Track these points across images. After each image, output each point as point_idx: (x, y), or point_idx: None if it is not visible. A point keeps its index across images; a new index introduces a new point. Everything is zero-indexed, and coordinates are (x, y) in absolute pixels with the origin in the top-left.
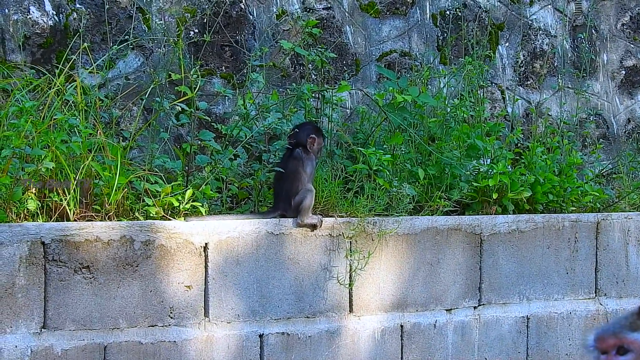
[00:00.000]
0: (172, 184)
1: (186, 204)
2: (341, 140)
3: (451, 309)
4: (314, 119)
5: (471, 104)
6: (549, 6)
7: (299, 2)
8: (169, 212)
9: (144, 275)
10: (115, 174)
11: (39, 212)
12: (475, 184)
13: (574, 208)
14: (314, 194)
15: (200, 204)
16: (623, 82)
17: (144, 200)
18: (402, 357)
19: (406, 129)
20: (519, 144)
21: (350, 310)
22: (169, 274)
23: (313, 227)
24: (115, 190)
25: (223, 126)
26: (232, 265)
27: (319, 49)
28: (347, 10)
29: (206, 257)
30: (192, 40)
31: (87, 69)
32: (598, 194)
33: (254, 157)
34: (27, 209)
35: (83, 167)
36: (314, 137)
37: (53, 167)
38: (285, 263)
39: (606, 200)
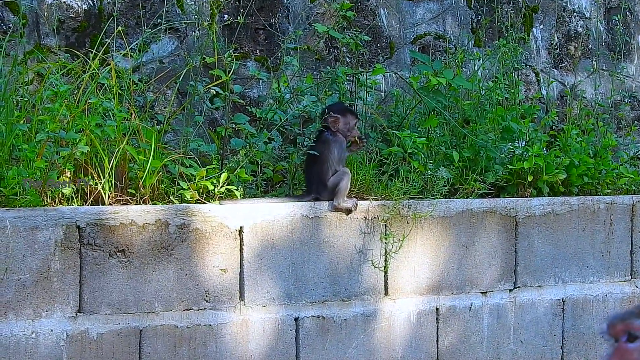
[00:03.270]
0: (207, 167)
1: (221, 187)
2: (376, 123)
3: (486, 292)
4: (348, 102)
5: (506, 86)
6: None
7: None
8: (204, 196)
9: (179, 259)
10: (150, 158)
11: (73, 196)
12: (510, 167)
13: (609, 190)
14: (350, 177)
15: (235, 188)
16: None
17: (178, 184)
18: (437, 340)
19: (441, 111)
20: (553, 127)
21: (386, 294)
22: (204, 257)
23: (348, 211)
24: (150, 173)
25: (257, 109)
26: (267, 249)
27: (353, 32)
28: None
29: (241, 240)
30: (226, 24)
31: (121, 52)
32: (633, 176)
33: (288, 141)
34: (62, 193)
35: (118, 151)
36: (335, 116)
37: (88, 151)
38: (320, 246)
39: None
